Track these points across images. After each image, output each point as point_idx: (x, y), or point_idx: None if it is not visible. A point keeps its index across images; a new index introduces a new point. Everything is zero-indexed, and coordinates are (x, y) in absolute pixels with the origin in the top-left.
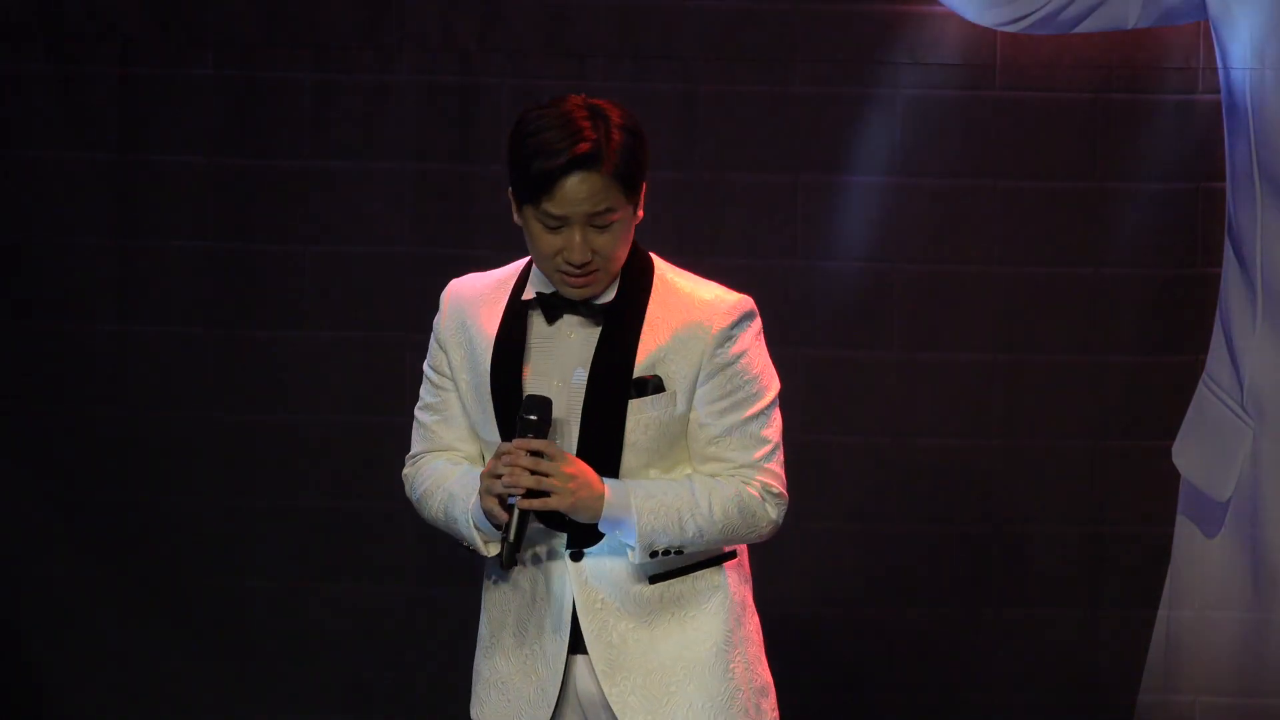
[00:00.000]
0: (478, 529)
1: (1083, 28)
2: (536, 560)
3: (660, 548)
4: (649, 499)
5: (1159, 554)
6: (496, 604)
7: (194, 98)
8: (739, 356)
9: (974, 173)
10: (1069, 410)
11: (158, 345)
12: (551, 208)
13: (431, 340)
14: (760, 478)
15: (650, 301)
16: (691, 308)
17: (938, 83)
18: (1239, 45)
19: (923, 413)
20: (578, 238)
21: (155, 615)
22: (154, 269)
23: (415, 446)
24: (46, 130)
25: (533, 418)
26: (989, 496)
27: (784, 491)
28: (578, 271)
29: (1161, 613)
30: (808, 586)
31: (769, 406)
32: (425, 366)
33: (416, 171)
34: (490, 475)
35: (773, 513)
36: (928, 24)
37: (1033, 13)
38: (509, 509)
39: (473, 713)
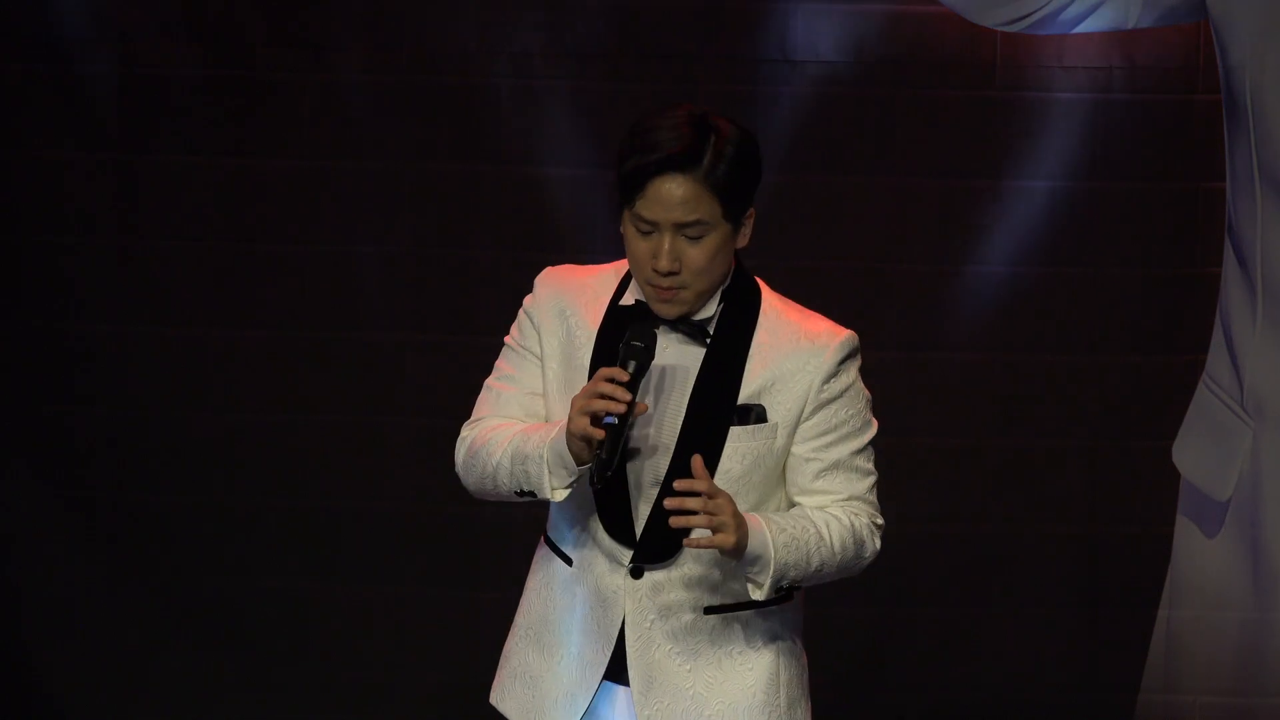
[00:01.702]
0: (549, 466)
1: (1083, 28)
2: (595, 568)
3: (786, 583)
4: (782, 533)
5: (1159, 554)
6: (543, 598)
7: (194, 98)
8: (845, 390)
9: (974, 173)
10: (1069, 410)
11: (158, 345)
12: (643, 210)
13: (521, 317)
14: (866, 509)
15: (758, 328)
16: (800, 339)
17: (938, 83)
18: (1239, 45)
19: (922, 413)
20: (666, 245)
21: (155, 614)
22: (154, 269)
23: (480, 410)
24: (46, 130)
25: (639, 344)
26: (989, 496)
27: (883, 522)
28: (664, 282)
29: (1161, 613)
30: (808, 586)
31: (871, 441)
32: (509, 341)
33: (416, 171)
34: (588, 395)
35: (877, 543)
36: (928, 24)
37: (1033, 13)
38: (605, 427)
39: (493, 698)
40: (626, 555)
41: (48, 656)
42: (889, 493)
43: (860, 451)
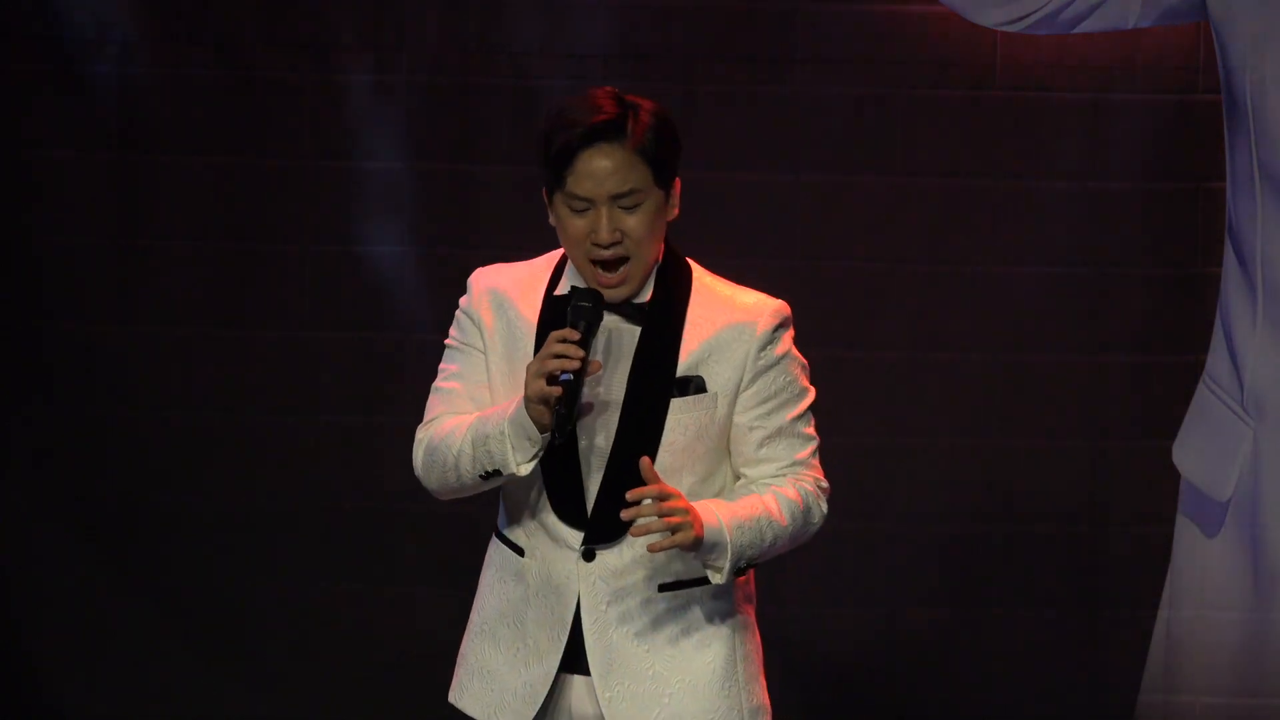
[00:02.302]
0: (511, 441)
1: (1083, 28)
2: (546, 556)
3: (744, 564)
4: (734, 517)
5: (1159, 554)
6: (496, 592)
7: (194, 98)
8: (782, 358)
9: (974, 173)
10: (1069, 410)
11: (158, 345)
12: (575, 186)
13: (459, 317)
14: (809, 473)
15: (691, 303)
16: (734, 310)
17: (938, 83)
18: (1239, 45)
19: (923, 413)
20: (604, 218)
21: (155, 614)
22: (154, 269)
23: (432, 412)
24: (46, 130)
25: (585, 304)
26: (989, 496)
27: (828, 485)
28: (606, 254)
29: (1161, 613)
30: (808, 586)
31: (810, 407)
32: (450, 342)
33: (416, 171)
34: (542, 359)
35: (824, 507)
36: (928, 24)
37: (1033, 13)
38: (561, 384)
39: (451, 697)
40: (577, 539)
41: (47, 656)
42: (889, 492)
43: (800, 417)
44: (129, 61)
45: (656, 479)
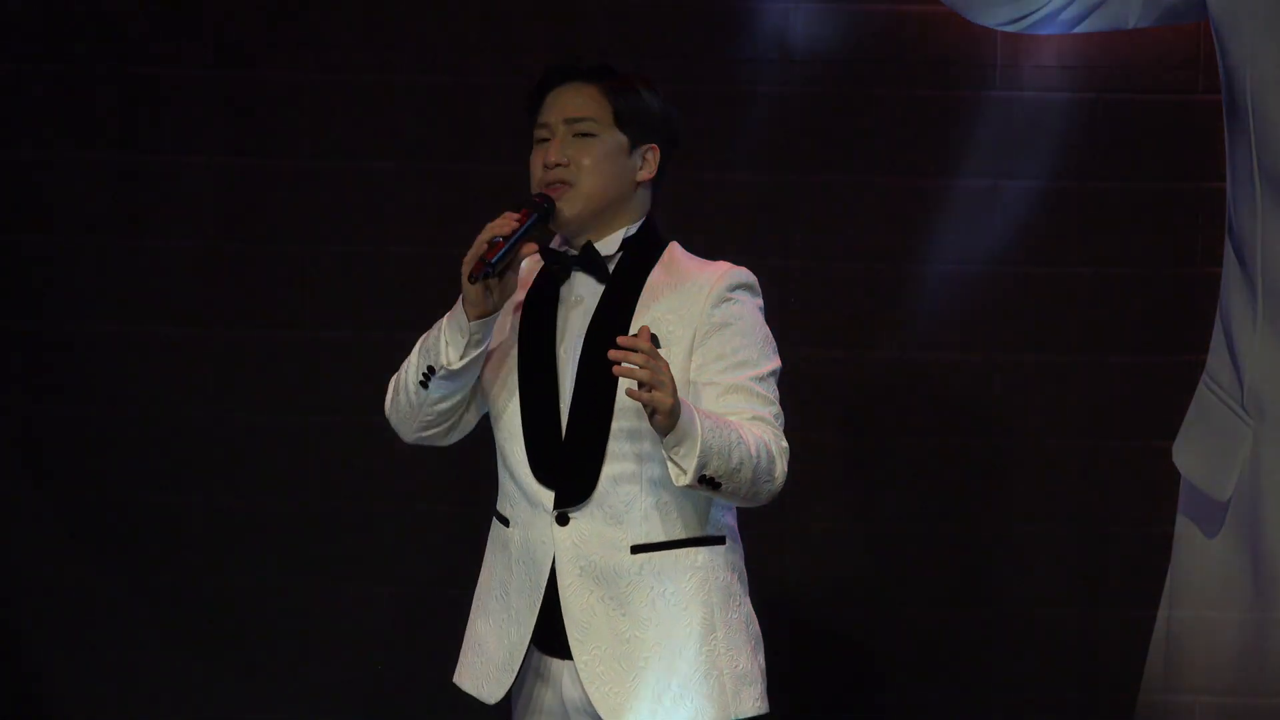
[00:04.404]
0: (446, 335)
1: (1083, 28)
2: (526, 522)
3: (709, 472)
4: (707, 418)
5: (1159, 554)
6: (487, 566)
7: (194, 98)
8: (738, 319)
9: (974, 173)
10: (1069, 410)
11: (158, 345)
12: (539, 117)
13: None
14: (771, 429)
15: (654, 269)
16: (693, 275)
17: (938, 83)
18: (1239, 45)
19: (923, 413)
20: (557, 139)
21: (154, 614)
22: (154, 269)
23: None
24: (46, 130)
25: (538, 199)
26: (989, 496)
27: (787, 447)
28: (550, 175)
29: (1161, 613)
30: (808, 586)
31: (771, 374)
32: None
33: (416, 171)
34: (485, 231)
35: (783, 465)
36: (928, 24)
37: (1033, 13)
38: (491, 245)
39: (455, 678)
40: (550, 501)
41: (47, 656)
42: (889, 492)
43: (761, 380)
44: (129, 61)
45: (649, 343)
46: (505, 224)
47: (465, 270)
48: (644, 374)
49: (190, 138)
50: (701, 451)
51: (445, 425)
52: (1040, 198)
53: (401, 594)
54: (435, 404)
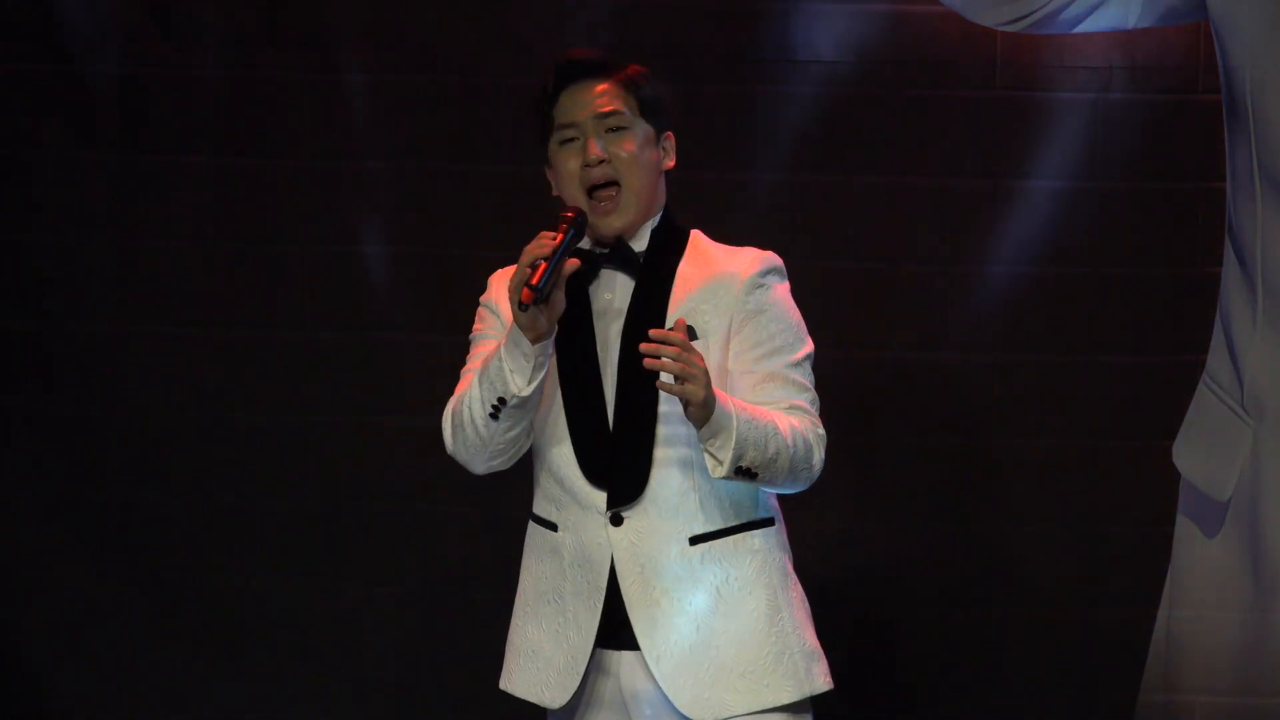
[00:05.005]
0: (508, 364)
1: (1083, 28)
2: (577, 526)
3: (745, 463)
4: (742, 410)
5: (1159, 554)
6: (533, 572)
7: (194, 98)
8: (772, 304)
9: (974, 173)
10: (1069, 410)
11: (158, 345)
12: (561, 116)
13: (480, 311)
14: (808, 417)
15: (682, 261)
16: (721, 263)
17: (938, 83)
18: (1239, 45)
19: (922, 413)
20: (592, 139)
21: (154, 614)
22: (154, 269)
23: (457, 392)
24: (46, 130)
25: (569, 213)
26: (989, 496)
27: (824, 435)
28: (596, 174)
29: (1161, 613)
30: (807, 587)
31: (805, 359)
32: (474, 335)
33: (417, 171)
34: (524, 255)
35: (820, 453)
36: (928, 24)
37: (1033, 13)
38: (533, 267)
39: (502, 684)
40: (601, 505)
41: (47, 656)
42: (889, 493)
43: (795, 365)
44: (129, 61)
45: (684, 336)
46: (544, 245)
47: (512, 298)
48: (676, 366)
49: (190, 138)
50: (737, 443)
51: (514, 450)
52: (1040, 198)
53: (401, 594)
54: (506, 432)
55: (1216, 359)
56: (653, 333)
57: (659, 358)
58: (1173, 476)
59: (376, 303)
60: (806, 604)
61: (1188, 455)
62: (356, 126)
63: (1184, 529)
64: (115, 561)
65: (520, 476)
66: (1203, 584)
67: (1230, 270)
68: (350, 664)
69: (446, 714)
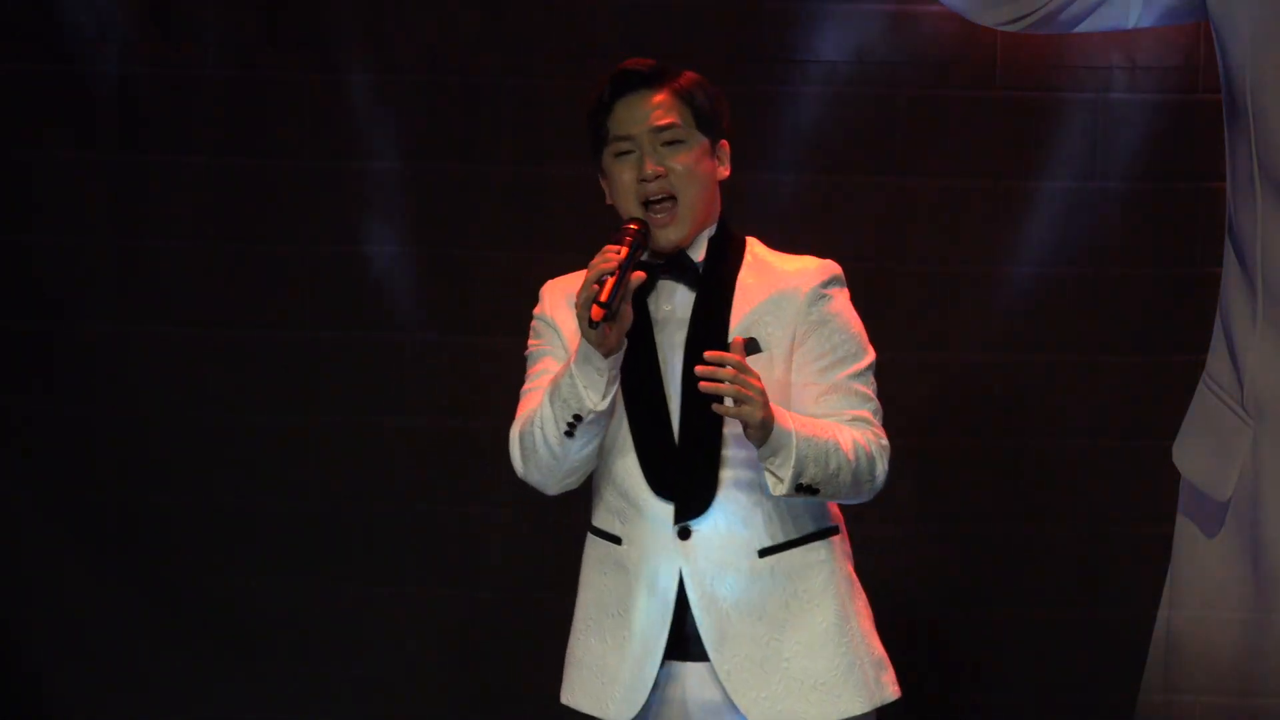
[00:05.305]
0: (580, 380)
1: (1083, 28)
2: (643, 540)
3: (805, 480)
4: (803, 426)
5: (1159, 554)
6: (596, 585)
7: (194, 98)
8: (835, 315)
9: (974, 173)
10: (1069, 410)
11: (158, 345)
12: (616, 129)
13: (534, 325)
14: (871, 429)
15: (742, 270)
16: (783, 274)
17: (938, 83)
18: (1239, 45)
19: (922, 412)
20: (648, 154)
21: (155, 614)
22: (154, 269)
23: (521, 412)
24: (46, 130)
25: (632, 225)
26: (989, 496)
27: (888, 445)
28: (653, 188)
29: (1161, 613)
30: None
31: (868, 368)
32: (529, 351)
33: (417, 171)
34: (589, 270)
35: (884, 465)
36: (928, 24)
37: (1033, 13)
38: (601, 282)
39: (563, 697)
40: (667, 518)
41: (47, 656)
42: (889, 493)
43: (858, 376)
44: (129, 61)
45: (741, 355)
46: (610, 260)
47: (581, 315)
48: (732, 389)
49: (190, 138)
50: (797, 461)
51: (586, 468)
52: (1040, 197)
53: (401, 594)
54: (581, 450)
55: (1216, 359)
56: (709, 354)
57: (716, 379)
58: (1173, 476)
59: (376, 303)
60: (869, 608)
61: (1188, 455)
62: (356, 126)
63: (1184, 529)
64: (115, 561)
65: (513, 473)
66: (1203, 584)
67: (1230, 270)
68: (350, 664)
69: (446, 714)
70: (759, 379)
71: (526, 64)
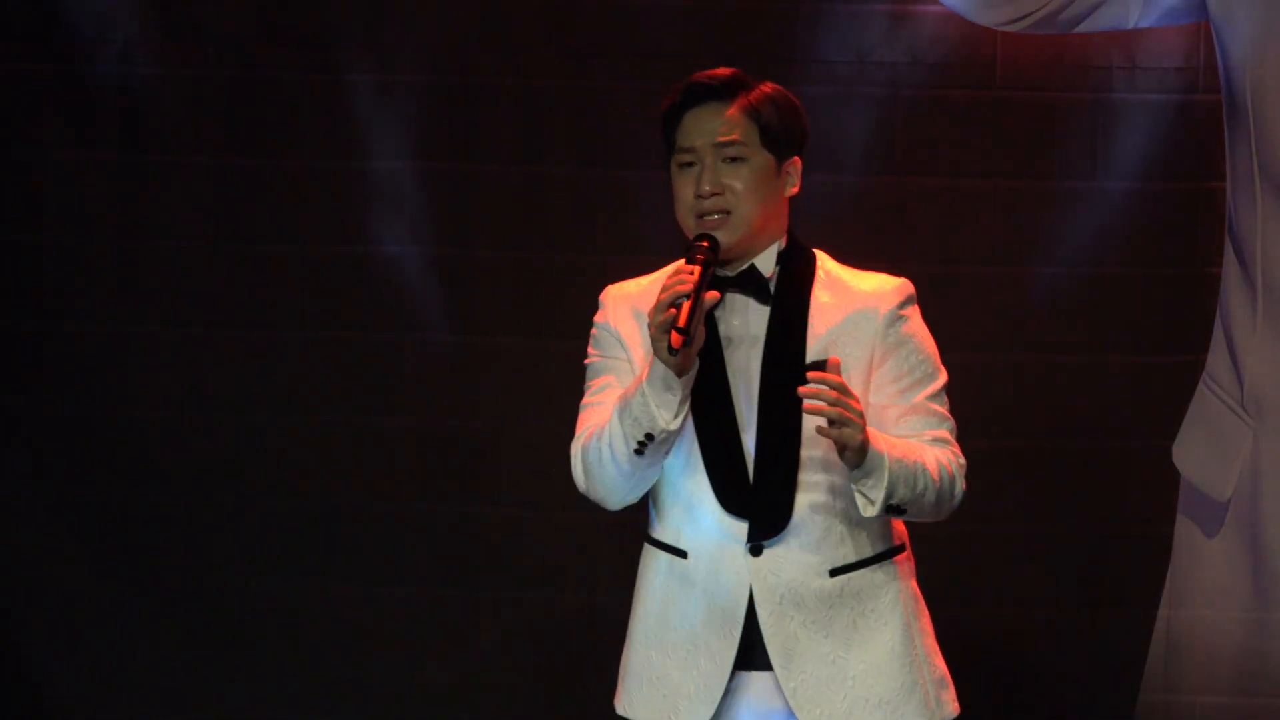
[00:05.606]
0: (653, 399)
1: (1083, 28)
2: (712, 554)
3: (895, 501)
4: (894, 448)
5: (1159, 554)
6: (657, 598)
7: (194, 98)
8: (911, 336)
9: (974, 173)
10: (1069, 410)
11: (158, 345)
12: (681, 140)
13: (596, 334)
14: (950, 449)
15: (815, 287)
16: (859, 293)
17: (938, 83)
18: (1239, 45)
19: None
20: (707, 169)
21: (155, 614)
22: (154, 269)
23: (582, 425)
24: (46, 130)
25: (703, 243)
26: (989, 496)
27: (965, 463)
28: (706, 205)
29: (1161, 613)
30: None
31: (944, 388)
32: (590, 361)
33: (416, 171)
34: (663, 291)
35: (963, 483)
36: (928, 24)
37: (1033, 13)
38: (676, 305)
39: (619, 708)
40: (743, 532)
41: (47, 656)
42: None
43: (935, 396)
44: (129, 61)
45: (839, 376)
46: (685, 282)
47: (657, 339)
48: (835, 411)
49: (190, 138)
50: (889, 483)
51: (649, 484)
52: (1040, 198)
53: (401, 594)
54: (648, 467)
55: (1216, 359)
56: (811, 375)
57: (816, 400)
58: (1173, 476)
59: (376, 303)
60: (931, 624)
61: (1188, 455)
62: (356, 126)
63: (1184, 529)
64: (115, 561)
65: (513, 473)
66: (1203, 584)
67: (1230, 270)
68: (350, 664)
69: (446, 714)
70: (859, 402)
71: (526, 64)
